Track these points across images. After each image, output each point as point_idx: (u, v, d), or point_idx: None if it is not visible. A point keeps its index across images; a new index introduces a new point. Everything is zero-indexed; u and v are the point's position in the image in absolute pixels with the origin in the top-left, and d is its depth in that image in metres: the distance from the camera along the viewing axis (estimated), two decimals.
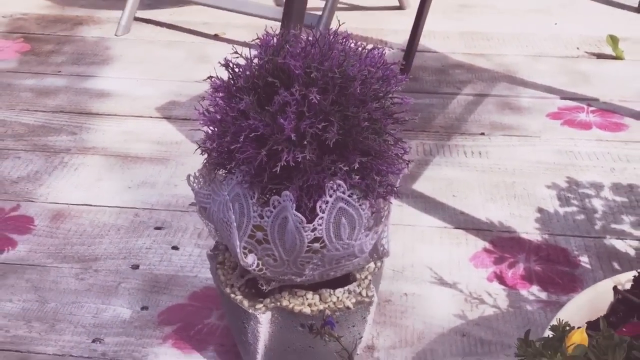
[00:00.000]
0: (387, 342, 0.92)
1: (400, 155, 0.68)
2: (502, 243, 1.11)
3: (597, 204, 1.19)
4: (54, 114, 1.49)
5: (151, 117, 1.48)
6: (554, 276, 1.03)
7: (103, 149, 1.37)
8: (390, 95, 0.65)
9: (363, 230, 0.68)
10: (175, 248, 1.10)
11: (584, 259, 1.06)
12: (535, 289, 1.01)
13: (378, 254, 0.74)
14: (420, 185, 1.26)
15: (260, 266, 0.70)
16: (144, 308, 0.98)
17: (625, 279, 0.75)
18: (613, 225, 1.13)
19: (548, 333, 0.61)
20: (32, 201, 1.21)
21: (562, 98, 1.55)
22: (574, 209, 1.18)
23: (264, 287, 0.72)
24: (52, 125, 1.45)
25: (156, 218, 1.17)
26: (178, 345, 0.91)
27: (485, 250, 1.09)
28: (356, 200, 0.65)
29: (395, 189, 0.69)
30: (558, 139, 1.39)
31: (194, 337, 0.93)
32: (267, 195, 0.66)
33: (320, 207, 0.65)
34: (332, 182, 0.63)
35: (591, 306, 0.71)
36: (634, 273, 0.75)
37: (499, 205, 1.20)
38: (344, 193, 0.64)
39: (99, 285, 1.02)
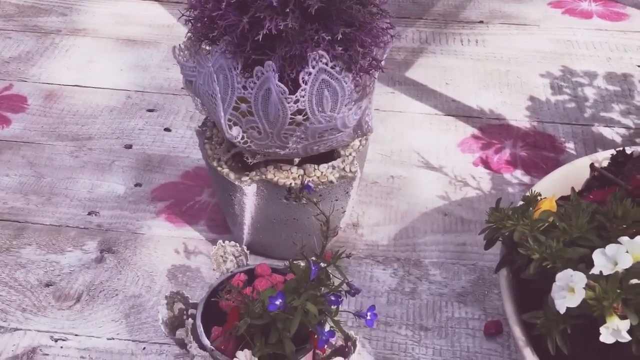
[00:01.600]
0: (371, 220, 0.95)
1: (385, 29, 0.67)
2: (491, 130, 1.12)
3: (589, 92, 1.19)
4: None
5: None
6: (538, 161, 1.05)
7: (94, 31, 1.35)
8: None
9: (346, 104, 0.69)
10: (167, 130, 1.11)
11: (570, 146, 1.07)
12: (518, 172, 1.03)
13: (362, 130, 0.75)
14: (413, 73, 1.25)
15: (245, 139, 0.71)
16: (137, 185, 1.00)
17: (602, 157, 0.76)
18: (602, 114, 1.14)
19: (520, 203, 0.63)
20: (24, 81, 1.21)
21: None
22: (566, 97, 1.18)
23: (250, 160, 0.74)
24: (42, 6, 1.41)
25: (148, 100, 1.17)
26: (170, 219, 0.95)
27: (474, 136, 1.10)
28: (339, 72, 0.66)
29: (379, 63, 0.69)
30: (557, 28, 1.36)
31: (186, 212, 0.96)
32: (251, 68, 0.66)
33: (302, 78, 0.65)
34: (314, 52, 0.63)
35: (566, 181, 0.73)
36: (612, 152, 0.77)
37: (492, 93, 1.20)
38: (326, 65, 0.64)
39: (93, 162, 1.04)
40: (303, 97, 0.66)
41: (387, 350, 0.78)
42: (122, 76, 1.23)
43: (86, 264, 0.88)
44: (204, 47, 0.70)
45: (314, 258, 0.60)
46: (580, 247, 0.53)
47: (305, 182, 0.72)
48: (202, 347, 0.62)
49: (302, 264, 0.62)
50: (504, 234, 0.59)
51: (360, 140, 0.81)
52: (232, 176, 0.76)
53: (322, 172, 0.77)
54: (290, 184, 0.74)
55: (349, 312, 0.73)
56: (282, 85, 0.64)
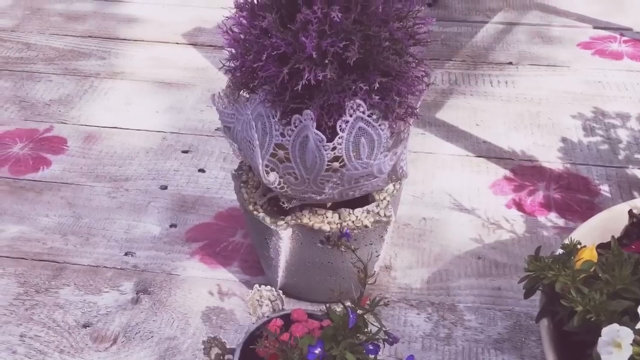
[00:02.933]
0: (404, 262, 0.95)
1: (420, 77, 0.68)
2: (523, 171, 1.11)
3: (622, 134, 1.18)
4: (83, 38, 1.51)
5: (177, 43, 1.49)
6: (572, 204, 1.04)
7: (131, 74, 1.39)
8: (413, 15, 0.65)
9: (382, 151, 0.70)
10: (201, 171, 1.13)
11: (605, 188, 1.07)
12: (553, 215, 1.02)
13: (396, 175, 0.76)
14: (443, 114, 1.26)
15: (282, 184, 0.73)
16: (172, 226, 1.02)
17: None
18: (637, 156, 1.13)
19: (559, 251, 0.63)
20: (64, 123, 1.25)
21: (594, 27, 1.51)
22: (599, 138, 1.18)
23: (286, 205, 0.75)
24: (82, 50, 1.47)
25: (183, 142, 1.20)
26: (205, 260, 0.96)
27: (506, 178, 1.10)
28: (375, 120, 0.67)
29: (415, 110, 0.70)
30: (587, 69, 1.36)
31: (220, 254, 0.97)
32: (289, 116, 0.68)
33: (340, 126, 0.66)
34: (352, 101, 0.64)
35: (605, 228, 0.72)
36: None
37: (523, 134, 1.20)
38: (363, 113, 0.66)
39: (130, 203, 1.07)
40: (340, 144, 0.67)
41: None
42: (157, 118, 1.26)
43: (122, 305, 0.89)
44: (243, 95, 0.71)
45: (350, 304, 0.60)
46: (624, 300, 0.53)
47: (344, 230, 0.72)
48: None
49: (338, 309, 0.62)
50: (544, 283, 0.59)
51: (394, 185, 0.82)
52: (268, 220, 0.78)
53: (357, 217, 0.77)
54: (329, 231, 0.74)
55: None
56: (319, 133, 0.66)
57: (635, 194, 1.05)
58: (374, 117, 0.67)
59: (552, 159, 1.13)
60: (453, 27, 1.53)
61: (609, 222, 0.74)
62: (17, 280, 0.93)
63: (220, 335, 0.75)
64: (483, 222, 1.02)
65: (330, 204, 0.78)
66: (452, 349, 0.83)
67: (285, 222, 0.77)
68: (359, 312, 0.60)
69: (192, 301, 0.90)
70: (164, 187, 1.10)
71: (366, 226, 0.77)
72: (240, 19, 0.66)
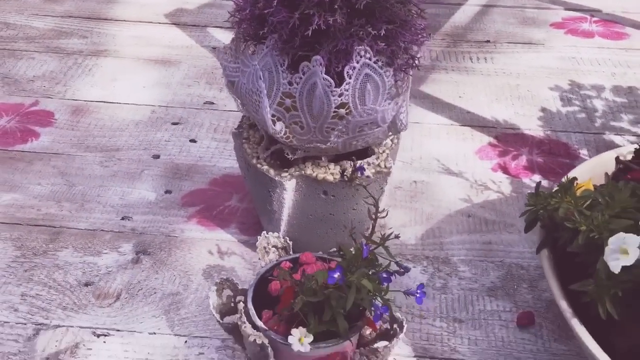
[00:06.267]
0: (397, 221, 0.98)
1: (423, 27, 0.71)
2: (507, 138, 1.16)
3: (598, 104, 1.24)
4: (63, 18, 1.50)
5: (160, 22, 1.50)
6: (554, 167, 1.09)
7: (115, 52, 1.39)
8: None
9: (385, 98, 0.72)
10: (193, 141, 1.14)
11: (584, 152, 1.12)
12: (537, 177, 1.06)
13: (396, 127, 0.79)
14: (427, 87, 1.29)
15: (288, 134, 0.75)
16: (167, 192, 1.03)
17: (626, 151, 0.80)
18: (612, 123, 1.19)
19: (556, 189, 0.66)
20: (50, 97, 1.24)
21: (566, 9, 1.58)
22: (576, 108, 1.23)
23: (290, 156, 0.77)
24: (63, 29, 1.46)
25: (173, 114, 1.21)
26: (202, 222, 0.97)
27: (490, 144, 1.14)
28: (381, 67, 0.69)
29: (415, 61, 0.73)
30: (562, 46, 1.42)
31: (217, 217, 0.98)
32: (296, 65, 0.70)
33: (347, 72, 0.69)
34: (359, 47, 0.67)
35: (594, 174, 0.77)
36: (635, 146, 0.81)
37: (504, 105, 1.24)
38: (370, 59, 0.68)
39: (123, 172, 1.07)
40: (347, 90, 0.69)
41: (424, 341, 0.80)
42: (145, 93, 1.26)
43: (123, 265, 0.90)
44: (248, 46, 0.73)
45: (363, 240, 0.63)
46: (625, 219, 0.56)
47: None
48: (255, 327, 0.64)
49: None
50: (544, 215, 0.62)
51: (392, 139, 0.84)
52: (272, 172, 0.79)
53: None
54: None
55: (398, 290, 0.74)
56: (328, 78, 0.68)
57: None
58: (380, 63, 0.69)
59: (533, 127, 1.18)
60: (431, 8, 1.57)
61: (597, 167, 0.78)
62: (14, 244, 0.93)
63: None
64: (471, 184, 1.05)
65: (332, 157, 0.80)
66: (448, 297, 0.86)
67: (289, 174, 0.79)
68: (371, 246, 0.62)
69: (192, 260, 0.91)
70: (157, 157, 1.10)
71: (368, 176, 0.79)
72: None
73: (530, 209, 0.64)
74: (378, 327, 0.68)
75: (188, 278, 0.88)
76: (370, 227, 0.64)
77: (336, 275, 0.57)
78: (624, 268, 0.52)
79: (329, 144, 0.74)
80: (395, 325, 0.67)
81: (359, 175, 0.73)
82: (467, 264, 0.91)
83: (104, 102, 1.24)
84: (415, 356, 0.78)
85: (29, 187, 1.03)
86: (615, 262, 0.52)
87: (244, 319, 0.64)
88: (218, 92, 1.27)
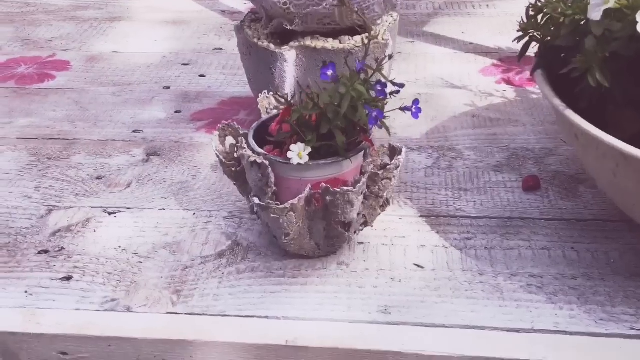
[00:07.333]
0: (402, 123, 0.99)
1: None
2: (510, 60, 1.17)
3: None
4: None
5: None
6: None
7: (129, 18, 1.44)
8: None
9: None
10: (202, 76, 1.18)
11: None
12: None
13: (391, 3, 0.81)
14: (430, 28, 1.32)
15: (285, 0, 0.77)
16: (177, 112, 1.06)
17: None
18: None
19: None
20: (66, 51, 1.29)
21: None
22: None
23: (289, 27, 0.80)
24: (80, 4, 1.53)
25: (183, 58, 1.25)
26: (210, 132, 0.99)
27: (494, 65, 1.16)
28: None
29: None
30: None
31: None
32: None
33: None
34: None
35: None
36: None
37: (507, 37, 1.26)
38: None
39: (135, 99, 1.10)
40: None
41: (429, 205, 0.80)
42: (157, 45, 1.31)
43: (134, 164, 0.92)
44: None
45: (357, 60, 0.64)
46: None
47: None
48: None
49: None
50: (538, 39, 0.63)
51: (392, 17, 0.87)
52: (272, 46, 0.82)
53: (356, 42, 0.82)
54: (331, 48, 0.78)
55: (394, 110, 0.73)
56: None
57: None
58: None
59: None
60: None
61: None
62: (29, 152, 0.96)
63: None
64: (475, 93, 1.07)
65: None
66: (453, 174, 0.86)
67: (289, 46, 0.81)
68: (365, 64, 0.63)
69: (201, 158, 0.93)
70: (167, 87, 1.14)
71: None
72: None
73: (524, 33, 0.66)
74: (377, 150, 0.69)
75: (197, 170, 0.90)
76: (365, 49, 0.65)
77: (329, 72, 0.58)
78: (608, 35, 0.52)
79: (324, 3, 0.76)
80: (395, 147, 0.68)
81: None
82: (472, 150, 0.91)
83: (117, 52, 1.28)
84: (420, 216, 0.78)
85: (45, 113, 1.07)
86: (598, 8, 0.53)
87: (244, 144, 0.65)
88: (227, 41, 1.31)
